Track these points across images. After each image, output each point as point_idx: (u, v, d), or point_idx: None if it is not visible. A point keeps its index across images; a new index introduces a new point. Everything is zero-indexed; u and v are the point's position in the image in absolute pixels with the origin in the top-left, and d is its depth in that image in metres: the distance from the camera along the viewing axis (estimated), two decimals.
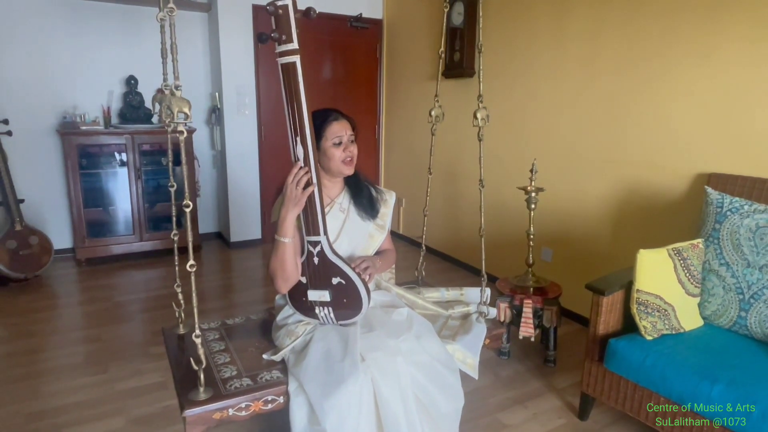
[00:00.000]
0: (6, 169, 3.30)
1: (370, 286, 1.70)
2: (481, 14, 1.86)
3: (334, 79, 4.46)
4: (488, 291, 1.90)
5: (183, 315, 1.83)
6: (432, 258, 4.07)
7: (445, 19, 2.03)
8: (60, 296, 3.27)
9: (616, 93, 2.61)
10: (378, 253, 1.78)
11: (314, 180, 1.46)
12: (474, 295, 1.94)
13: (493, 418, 2.05)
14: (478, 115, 1.76)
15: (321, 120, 1.59)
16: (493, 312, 1.90)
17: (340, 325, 1.59)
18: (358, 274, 1.54)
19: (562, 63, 2.88)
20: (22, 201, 3.41)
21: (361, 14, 4.36)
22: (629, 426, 2.00)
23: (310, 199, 1.47)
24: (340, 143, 1.60)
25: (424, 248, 2.24)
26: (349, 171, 1.64)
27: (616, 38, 2.57)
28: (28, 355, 2.46)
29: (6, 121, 3.36)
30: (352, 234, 1.69)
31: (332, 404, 1.33)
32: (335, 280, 1.54)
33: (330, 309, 1.57)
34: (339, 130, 1.59)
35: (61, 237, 3.83)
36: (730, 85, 2.15)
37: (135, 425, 1.95)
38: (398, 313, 1.64)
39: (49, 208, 3.79)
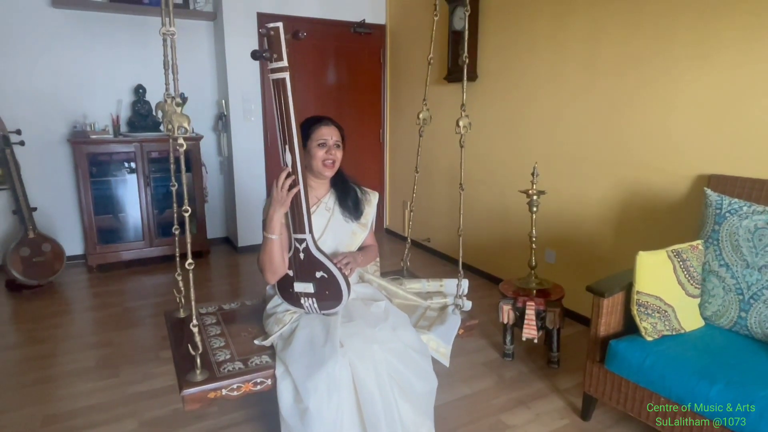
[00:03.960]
0: (19, 178, 3.38)
1: (353, 278, 1.87)
2: (467, 26, 1.88)
3: (338, 84, 4.51)
4: (465, 283, 2.02)
5: (183, 300, 1.98)
6: (437, 260, 4.10)
7: (435, 27, 2.06)
8: (72, 302, 3.34)
9: (616, 95, 2.63)
10: (361, 248, 1.93)
11: (300, 183, 1.59)
12: (453, 287, 2.05)
13: (496, 418, 2.07)
14: (461, 123, 1.83)
15: (312, 123, 1.75)
16: (468, 304, 2.01)
17: (323, 314, 1.73)
18: (340, 269, 1.68)
19: (562, 66, 2.91)
20: (34, 209, 3.49)
21: (364, 20, 4.40)
22: (631, 426, 2.02)
23: (297, 200, 1.61)
24: (324, 144, 1.74)
25: (409, 241, 2.38)
26: (329, 173, 1.77)
27: (616, 41, 2.60)
28: (41, 360, 2.52)
29: (18, 132, 3.44)
30: (336, 231, 1.84)
31: (314, 384, 1.47)
32: (318, 274, 1.68)
33: (314, 300, 1.72)
34: (325, 134, 1.74)
35: (72, 244, 3.90)
36: (729, 87, 2.17)
37: (146, 428, 2.00)
38: (377, 305, 1.79)
39: (60, 216, 3.88)
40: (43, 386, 2.29)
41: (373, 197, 1.95)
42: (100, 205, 3.78)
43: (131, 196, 3.86)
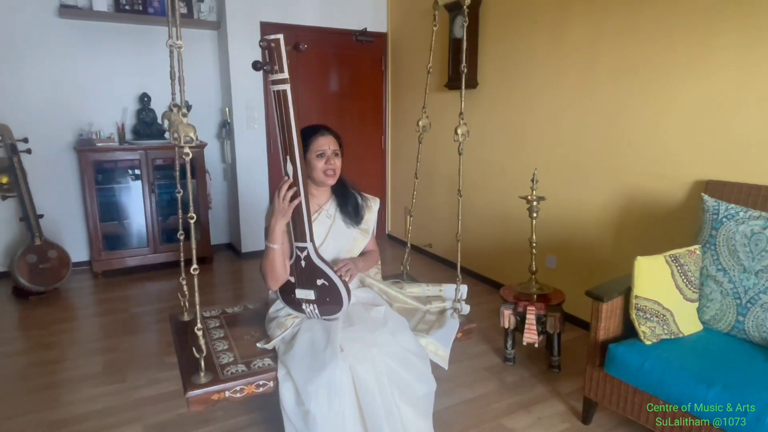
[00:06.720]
0: (26, 185, 3.43)
1: (354, 283, 1.93)
2: (465, 37, 1.92)
3: (340, 92, 4.56)
4: (464, 288, 2.05)
5: (187, 304, 2.01)
6: (439, 266, 4.12)
7: (434, 36, 2.09)
8: (78, 308, 3.37)
9: (614, 102, 2.66)
10: (362, 253, 1.96)
11: (301, 193, 1.62)
12: (452, 291, 2.08)
13: (497, 423, 2.09)
14: (459, 131, 1.85)
15: (309, 134, 1.77)
16: (466, 308, 2.05)
17: (324, 319, 1.77)
18: (340, 277, 1.71)
19: (561, 73, 2.95)
20: (41, 216, 3.53)
21: (365, 28, 4.45)
22: (632, 430, 2.04)
23: (298, 210, 1.64)
24: (322, 155, 1.76)
25: (409, 245, 2.40)
26: (331, 182, 1.81)
27: (614, 48, 2.63)
28: (48, 366, 2.55)
29: (25, 140, 3.50)
30: (337, 238, 1.87)
31: (315, 388, 1.51)
32: (319, 282, 1.71)
33: (315, 306, 1.76)
34: (323, 144, 1.77)
35: (78, 250, 3.94)
36: (726, 93, 2.20)
37: None
38: (376, 311, 1.82)
39: (66, 223, 3.92)
40: (50, 391, 2.32)
41: (374, 203, 1.98)
42: (105, 212, 3.83)
43: (136, 203, 3.90)
